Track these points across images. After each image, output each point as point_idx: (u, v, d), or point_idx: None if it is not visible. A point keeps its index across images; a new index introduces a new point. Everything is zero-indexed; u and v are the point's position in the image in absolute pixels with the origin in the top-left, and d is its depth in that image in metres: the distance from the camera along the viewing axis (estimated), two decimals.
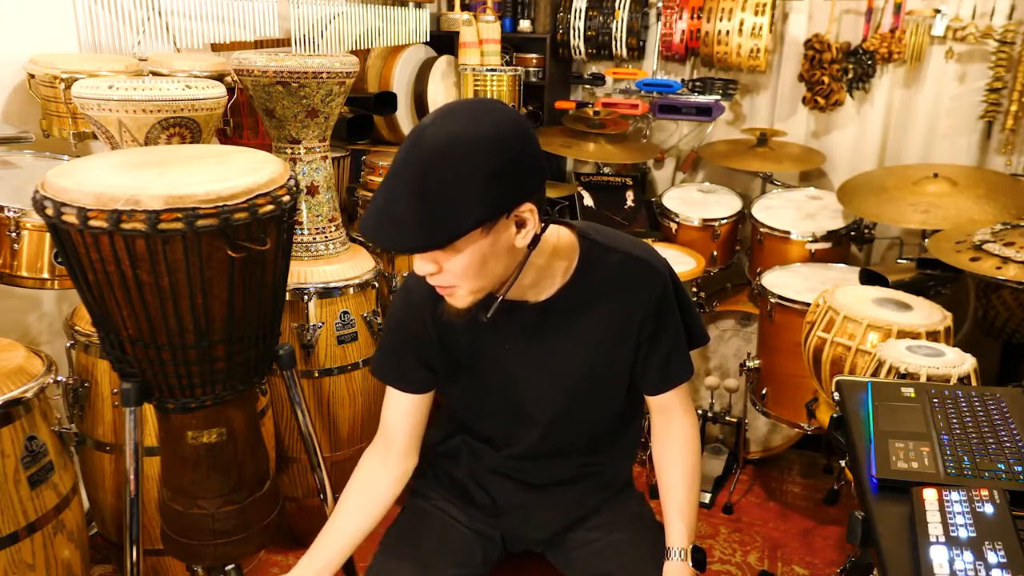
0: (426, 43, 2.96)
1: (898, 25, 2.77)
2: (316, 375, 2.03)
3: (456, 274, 1.05)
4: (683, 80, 3.05)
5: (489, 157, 0.97)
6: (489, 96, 2.94)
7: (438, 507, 1.39)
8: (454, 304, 1.10)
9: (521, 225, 1.05)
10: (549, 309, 1.20)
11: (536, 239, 1.08)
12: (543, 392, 1.26)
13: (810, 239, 2.63)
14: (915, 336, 1.73)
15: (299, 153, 2.01)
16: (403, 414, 1.30)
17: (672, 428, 1.32)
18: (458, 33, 3.03)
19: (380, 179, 2.47)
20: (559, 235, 1.18)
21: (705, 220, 2.80)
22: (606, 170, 3.22)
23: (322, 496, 1.59)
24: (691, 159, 3.24)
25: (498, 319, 1.15)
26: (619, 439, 1.38)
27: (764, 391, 2.39)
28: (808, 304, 2.03)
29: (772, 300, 2.29)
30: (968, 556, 0.84)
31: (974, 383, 1.48)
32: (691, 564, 1.23)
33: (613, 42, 3.06)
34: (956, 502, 0.92)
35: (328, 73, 1.89)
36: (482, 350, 1.24)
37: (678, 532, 1.25)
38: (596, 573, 1.30)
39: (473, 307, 1.11)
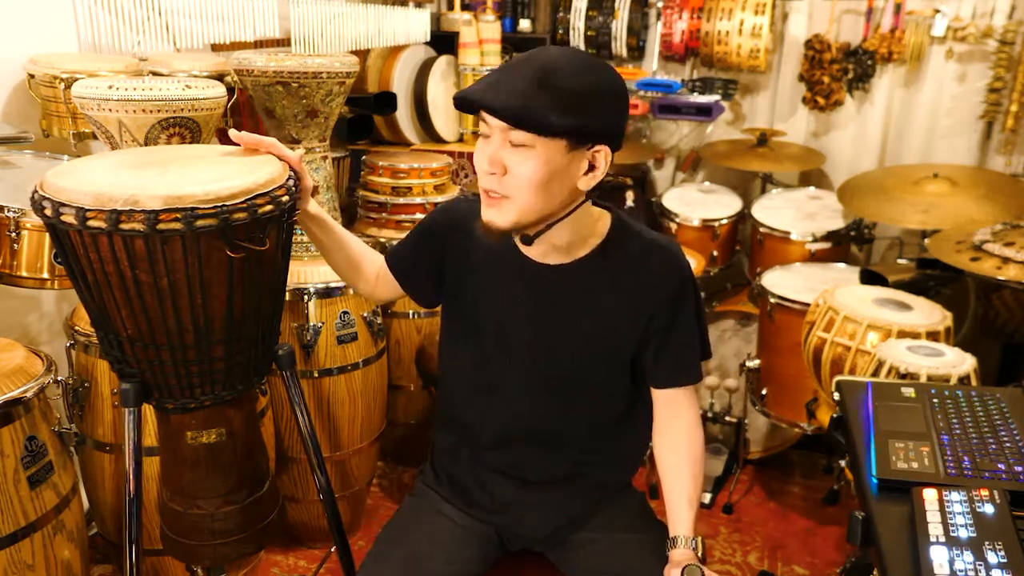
0: (426, 43, 2.96)
1: (898, 25, 2.77)
2: (316, 375, 2.02)
3: (519, 181, 1.08)
4: (683, 80, 3.05)
5: (604, 85, 1.07)
6: None
7: (433, 506, 1.39)
8: (494, 222, 1.13)
9: (592, 168, 1.11)
10: (567, 273, 1.23)
11: (589, 194, 1.15)
12: (542, 357, 1.27)
13: (810, 239, 2.63)
14: (915, 336, 1.73)
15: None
16: (383, 275, 1.40)
17: (679, 420, 1.31)
18: (458, 33, 3.03)
19: (380, 179, 2.47)
20: (595, 209, 1.25)
21: (705, 220, 2.80)
22: None
23: (322, 496, 1.59)
24: (691, 159, 3.24)
25: (514, 270, 1.23)
26: (618, 442, 1.37)
27: (764, 391, 2.38)
28: (808, 304, 2.03)
29: (772, 300, 2.29)
30: (968, 556, 0.84)
31: (974, 383, 1.48)
32: (700, 556, 1.22)
33: (613, 42, 3.06)
34: (956, 502, 0.92)
35: (328, 73, 1.89)
36: (489, 296, 1.28)
37: (687, 522, 1.23)
38: (598, 572, 1.30)
39: (505, 236, 1.15)
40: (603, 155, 1.11)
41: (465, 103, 1.08)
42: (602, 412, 1.33)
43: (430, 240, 1.34)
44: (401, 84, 2.83)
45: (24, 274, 1.61)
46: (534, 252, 1.24)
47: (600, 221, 1.25)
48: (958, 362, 1.50)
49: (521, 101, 1.03)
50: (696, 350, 1.30)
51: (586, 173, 1.11)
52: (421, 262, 1.35)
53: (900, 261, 2.68)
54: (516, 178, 1.08)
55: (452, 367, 1.41)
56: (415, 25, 2.79)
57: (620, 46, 3.06)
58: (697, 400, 1.34)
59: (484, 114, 1.08)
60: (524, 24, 3.22)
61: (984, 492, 0.93)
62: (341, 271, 1.42)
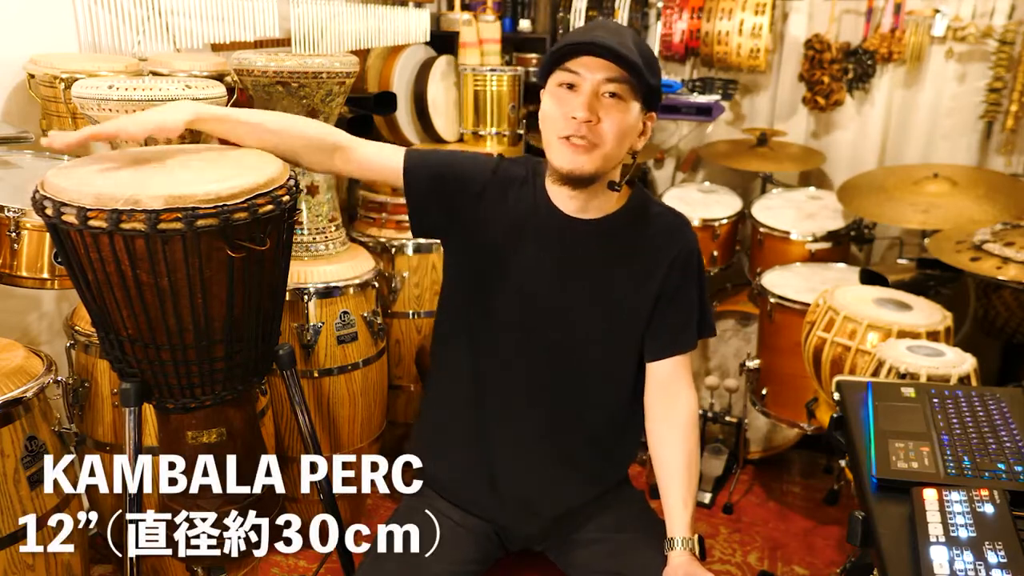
0: (426, 43, 2.95)
1: (898, 25, 2.77)
2: (316, 375, 2.03)
3: (608, 130, 1.17)
4: (683, 80, 3.05)
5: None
6: (489, 96, 2.93)
7: (431, 505, 1.38)
8: (584, 167, 1.18)
9: (643, 132, 1.24)
10: (591, 229, 1.29)
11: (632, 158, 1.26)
12: (557, 313, 1.29)
13: (810, 239, 2.63)
14: (915, 336, 1.73)
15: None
16: (376, 155, 1.30)
17: (676, 408, 1.31)
18: (458, 33, 3.03)
19: None
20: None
21: (705, 220, 2.80)
22: None
23: (322, 496, 1.59)
24: (691, 159, 3.24)
25: (542, 226, 1.28)
26: (622, 430, 1.37)
27: (764, 391, 2.38)
28: (808, 304, 2.03)
29: (772, 300, 2.29)
30: (968, 556, 0.84)
31: (974, 383, 1.48)
32: (699, 555, 1.22)
33: None
34: (956, 502, 0.92)
35: (328, 73, 1.89)
36: (512, 257, 1.29)
37: (683, 521, 1.23)
38: (599, 572, 1.30)
39: (589, 182, 1.21)
40: (651, 121, 1.24)
41: (594, 47, 1.13)
42: (609, 396, 1.33)
43: (456, 179, 1.30)
44: (401, 84, 2.83)
45: (24, 274, 1.61)
46: (571, 207, 1.28)
47: (624, 190, 1.33)
48: (958, 362, 1.50)
49: (631, 55, 1.13)
50: (693, 320, 1.32)
51: (640, 135, 1.24)
52: (436, 190, 1.29)
53: (900, 261, 2.68)
54: (608, 128, 1.17)
55: (453, 332, 1.37)
56: (415, 25, 2.79)
57: None
58: (695, 392, 1.34)
59: (579, 64, 1.15)
60: (524, 24, 3.22)
61: (984, 492, 0.93)
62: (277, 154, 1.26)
